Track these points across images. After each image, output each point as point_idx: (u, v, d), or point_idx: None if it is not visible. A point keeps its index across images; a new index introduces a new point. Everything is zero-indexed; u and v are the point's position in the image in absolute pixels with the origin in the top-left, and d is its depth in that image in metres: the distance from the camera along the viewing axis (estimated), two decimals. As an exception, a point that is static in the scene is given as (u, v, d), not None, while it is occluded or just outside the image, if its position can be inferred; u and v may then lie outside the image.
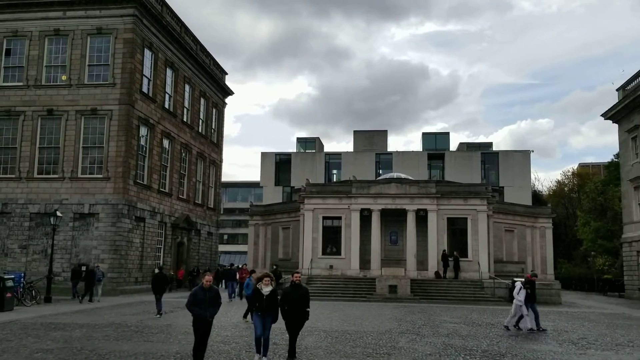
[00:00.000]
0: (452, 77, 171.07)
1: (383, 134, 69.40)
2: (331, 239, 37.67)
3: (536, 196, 69.77)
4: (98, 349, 12.75)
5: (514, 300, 17.80)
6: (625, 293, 39.83)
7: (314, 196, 37.73)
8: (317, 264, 36.64)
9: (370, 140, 67.57)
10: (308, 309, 11.22)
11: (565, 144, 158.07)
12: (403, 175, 44.49)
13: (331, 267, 36.31)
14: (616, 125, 42.36)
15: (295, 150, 69.18)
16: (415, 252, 36.16)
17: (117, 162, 31.51)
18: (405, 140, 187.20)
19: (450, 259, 35.04)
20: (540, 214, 46.00)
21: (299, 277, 11.63)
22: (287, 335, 11.59)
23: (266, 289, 10.79)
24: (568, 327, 19.07)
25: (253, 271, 22.55)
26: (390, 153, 64.89)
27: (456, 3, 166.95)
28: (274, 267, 32.31)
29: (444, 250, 35.40)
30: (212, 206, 46.17)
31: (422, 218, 36.63)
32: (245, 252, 62.30)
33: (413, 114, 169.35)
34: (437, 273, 35.16)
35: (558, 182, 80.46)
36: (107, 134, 31.83)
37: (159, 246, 36.27)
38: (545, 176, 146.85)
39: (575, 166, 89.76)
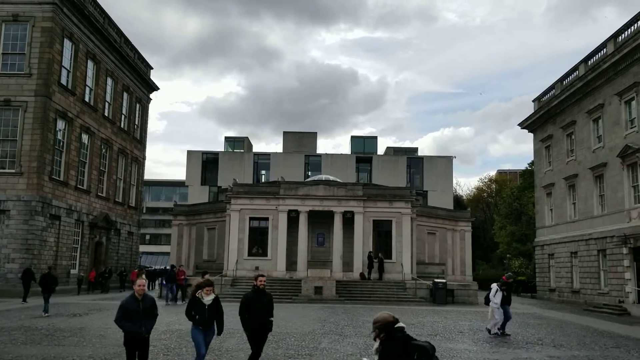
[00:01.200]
0: (380, 84, 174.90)
1: (312, 136, 69.74)
2: (258, 240, 37.34)
3: (457, 200, 72.47)
4: (3, 353, 11.90)
5: (491, 304, 17.20)
6: (537, 294, 42.07)
7: (241, 196, 37.27)
8: (242, 265, 36.19)
9: (300, 142, 67.71)
10: (272, 319, 9.69)
11: (485, 151, 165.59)
12: (331, 178, 44.87)
13: (257, 268, 35.94)
14: (531, 135, 44.72)
15: (223, 150, 68.13)
16: (341, 254, 36.51)
17: (31, 156, 29.75)
18: (334, 143, 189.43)
19: (375, 260, 35.66)
20: (460, 218, 47.76)
21: (264, 281, 9.77)
22: (249, 348, 9.82)
23: (208, 298, 9.38)
24: (483, 327, 19.83)
25: (205, 272, 21.24)
26: (320, 155, 65.29)
27: (384, 12, 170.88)
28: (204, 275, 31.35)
29: (370, 252, 35.98)
30: (133, 205, 44.58)
31: (349, 220, 37.06)
32: (168, 253, 60.61)
33: (342, 117, 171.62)
34: (362, 274, 35.67)
35: (477, 187, 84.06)
36: (20, 127, 29.99)
37: (75, 246, 34.57)
38: (466, 181, 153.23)
39: (494, 173, 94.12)
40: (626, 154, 29.36)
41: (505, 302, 17.20)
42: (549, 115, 40.19)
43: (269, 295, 9.84)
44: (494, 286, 17.47)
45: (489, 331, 17.27)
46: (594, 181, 33.45)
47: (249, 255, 36.86)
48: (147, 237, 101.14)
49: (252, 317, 9.43)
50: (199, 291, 9.45)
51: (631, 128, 29.48)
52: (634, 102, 29.27)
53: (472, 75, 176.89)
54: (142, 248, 69.12)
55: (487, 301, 17.44)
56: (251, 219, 37.28)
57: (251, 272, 35.40)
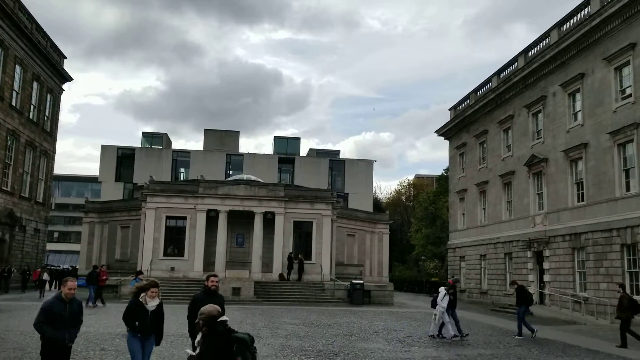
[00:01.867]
0: (304, 85, 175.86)
1: (235, 135, 68.90)
2: (174, 240, 36.35)
3: (377, 203, 74.17)
4: None
5: (437, 307, 16.96)
6: (448, 294, 43.80)
7: (157, 194, 36.12)
8: (157, 265, 35.08)
9: (222, 140, 66.67)
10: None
11: (403, 156, 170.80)
12: (253, 178, 44.50)
13: (173, 268, 35.00)
14: (447, 142, 46.57)
15: (140, 145, 65.77)
16: (261, 255, 36.27)
17: None
18: (256, 143, 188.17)
19: (295, 261, 35.72)
20: (379, 220, 48.89)
21: (216, 282, 8.91)
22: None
23: (152, 303, 8.17)
24: (397, 327, 20.35)
25: (140, 272, 19.93)
26: (242, 154, 64.61)
27: (309, 15, 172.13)
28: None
29: (290, 253, 35.99)
30: (41, 201, 42.03)
31: (269, 221, 36.88)
32: (77, 252, 57.63)
33: (265, 117, 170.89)
34: (281, 275, 35.61)
35: (396, 191, 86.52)
36: None
37: (-27, 243, 32.07)
38: (386, 185, 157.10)
39: (412, 177, 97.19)
40: (532, 163, 31.21)
41: (451, 306, 17.16)
42: (464, 124, 42.01)
43: (221, 297, 8.94)
44: (442, 290, 17.28)
45: (437, 336, 16.96)
46: (503, 188, 35.31)
47: (164, 255, 35.80)
48: (56, 234, 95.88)
49: None
50: (143, 294, 8.17)
51: (537, 139, 31.38)
52: (540, 115, 31.18)
53: (393, 81, 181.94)
54: (50, 246, 65.25)
55: (434, 305, 17.27)
56: (168, 218, 36.24)
57: (166, 273, 34.39)
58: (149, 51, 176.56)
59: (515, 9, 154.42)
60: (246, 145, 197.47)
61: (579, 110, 27.48)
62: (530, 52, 32.82)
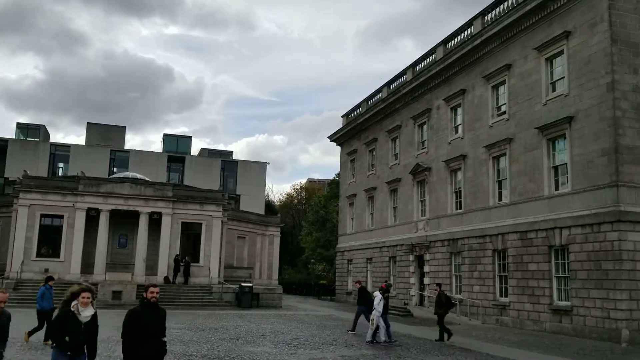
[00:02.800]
0: (197, 84, 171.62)
1: (120, 130, 65.61)
2: (49, 240, 33.84)
3: (269, 206, 74.15)
4: None
5: (374, 312, 16.91)
6: (336, 297, 44.80)
7: (32, 190, 33.45)
8: (29, 267, 32.45)
9: (106, 135, 63.16)
10: (165, 339, 7.56)
11: (296, 160, 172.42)
12: (139, 176, 42.60)
13: (47, 270, 32.48)
14: (339, 148, 47.70)
15: (14, 137, 60.56)
16: (145, 257, 34.79)
17: None
18: (144, 140, 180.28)
19: (181, 263, 34.68)
20: (270, 223, 48.91)
21: (157, 293, 7.51)
22: None
23: (86, 312, 6.95)
24: (284, 329, 20.42)
25: (50, 278, 17.19)
26: (128, 151, 61.68)
27: (203, 12, 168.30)
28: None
29: (177, 255, 34.89)
30: None
31: (156, 221, 35.50)
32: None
33: (154, 114, 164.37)
34: (166, 278, 34.39)
35: (289, 194, 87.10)
36: None
37: None
38: (278, 188, 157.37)
39: (304, 181, 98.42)
40: (417, 172, 32.83)
41: (383, 311, 17.14)
42: (355, 131, 43.28)
43: (163, 310, 7.62)
44: (378, 295, 17.17)
45: (372, 342, 16.87)
46: (390, 194, 36.79)
47: (37, 256, 33.22)
48: None
49: (141, 338, 7.15)
50: (75, 302, 6.81)
51: (422, 149, 33.06)
52: (425, 126, 32.90)
53: (288, 85, 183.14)
54: None
55: (370, 310, 17.20)
56: (43, 216, 33.70)
57: (39, 275, 31.89)
58: (26, 36, 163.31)
59: (404, 24, 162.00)
60: (133, 141, 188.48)
61: (460, 124, 29.34)
62: (417, 67, 34.57)
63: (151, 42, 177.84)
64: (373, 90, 41.51)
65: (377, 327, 17.03)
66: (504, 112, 25.77)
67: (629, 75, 19.88)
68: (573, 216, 20.78)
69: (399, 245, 34.31)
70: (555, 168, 22.56)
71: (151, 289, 7.47)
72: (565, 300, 21.25)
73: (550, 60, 23.18)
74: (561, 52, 22.38)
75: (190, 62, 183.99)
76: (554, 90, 22.86)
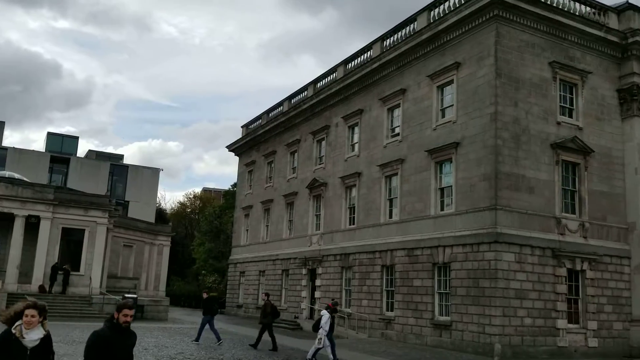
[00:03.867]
0: (88, 82, 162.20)
1: (-1, 126, 60.49)
2: None
3: (160, 214, 71.52)
4: None
5: (320, 331, 16.45)
6: (226, 310, 43.99)
7: None
8: None
9: (-19, 130, 57.92)
10: None
11: (191, 168, 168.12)
12: (17, 176, 39.39)
13: None
14: (236, 158, 47.26)
15: None
16: (19, 263, 32.08)
17: None
18: (24, 138, 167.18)
19: (60, 272, 32.35)
20: (160, 232, 47.13)
21: (131, 316, 5.96)
22: None
23: (32, 335, 5.50)
24: (169, 343, 19.67)
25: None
26: (5, 148, 56.86)
27: (96, 9, 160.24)
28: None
29: (55, 263, 32.51)
30: None
31: (33, 225, 32.87)
32: None
33: (36, 110, 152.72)
34: (42, 287, 31.89)
35: (182, 203, 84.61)
36: None
37: None
38: (171, 196, 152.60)
39: (199, 190, 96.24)
40: (313, 186, 33.31)
41: (330, 329, 16.79)
42: (255, 143, 43.14)
43: (135, 335, 6.20)
44: (325, 314, 16.78)
45: (311, 359, 16.62)
46: (286, 207, 36.96)
47: None
48: None
49: None
50: (18, 323, 5.46)
51: (320, 164, 33.64)
52: (324, 142, 33.53)
53: (187, 91, 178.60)
54: None
55: (316, 328, 16.78)
56: None
57: None
58: None
59: (305, 41, 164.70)
60: (11, 138, 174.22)
61: (356, 142, 30.23)
62: (319, 83, 35.26)
63: (39, 35, 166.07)
64: (274, 103, 41.74)
65: (321, 347, 16.61)
66: (398, 134, 26.92)
67: (510, 107, 21.58)
68: (456, 236, 22.06)
69: (293, 258, 34.48)
70: (442, 190, 23.88)
71: (125, 310, 5.84)
72: (446, 316, 22.41)
73: (441, 88, 24.61)
74: (451, 82, 23.85)
75: (81, 59, 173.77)
76: (443, 116, 24.26)
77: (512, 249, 20.53)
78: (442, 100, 24.56)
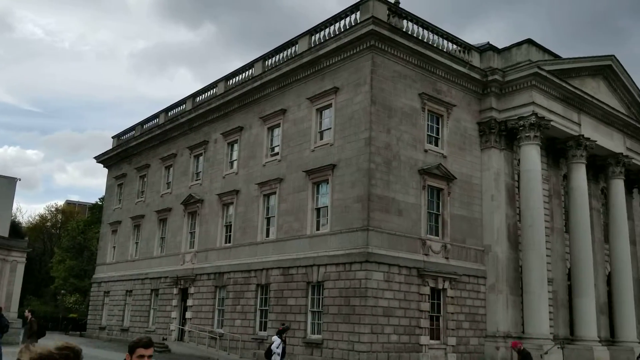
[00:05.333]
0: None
1: None
2: None
3: (15, 228, 65.24)
4: None
5: (274, 356, 16.46)
6: (87, 332, 41.03)
7: None
8: None
9: None
10: None
11: (51, 178, 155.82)
12: None
13: None
14: (102, 170, 44.66)
15: None
16: None
17: None
18: None
19: None
20: (14, 247, 42.90)
21: (149, 357, 4.25)
22: None
23: None
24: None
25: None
26: None
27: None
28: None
29: None
30: None
31: None
32: None
33: None
34: None
35: (41, 216, 77.94)
36: None
37: None
38: (28, 208, 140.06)
39: (62, 202, 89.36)
40: (189, 203, 32.38)
41: (282, 354, 16.86)
42: (126, 155, 41.11)
43: None
44: (277, 339, 16.86)
45: None
46: (158, 224, 35.49)
47: None
48: None
49: None
50: None
51: (196, 180, 32.84)
52: (201, 158, 32.83)
53: (52, 96, 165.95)
54: None
55: (269, 355, 16.72)
56: None
57: None
58: None
59: (181, 54, 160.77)
60: None
61: (235, 160, 29.98)
62: (198, 98, 34.59)
63: None
64: (149, 115, 40.16)
65: None
66: (277, 153, 27.13)
67: (382, 133, 22.71)
68: (330, 255, 22.60)
69: (164, 277, 33.11)
70: (318, 210, 24.40)
71: (140, 350, 4.17)
72: (318, 334, 22.77)
73: (320, 111, 25.28)
74: (330, 105, 24.61)
75: None
76: (321, 138, 24.91)
77: (381, 268, 21.45)
78: (320, 122, 25.21)
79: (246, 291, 26.75)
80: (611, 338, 28.94)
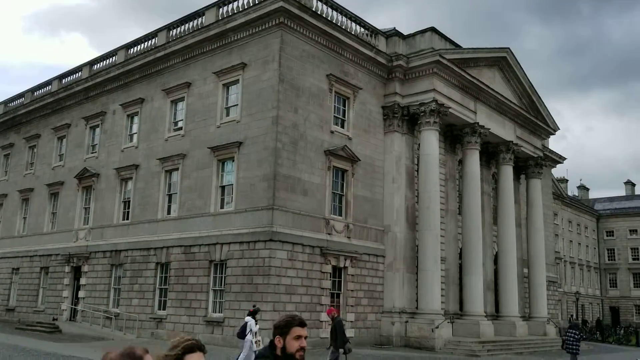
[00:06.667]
0: None
1: None
2: None
3: None
4: None
5: (247, 337, 15.97)
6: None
7: None
8: None
9: None
10: None
11: None
12: None
13: None
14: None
15: None
16: None
17: None
18: None
19: None
20: None
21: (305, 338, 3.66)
22: None
23: None
24: None
25: None
26: None
27: None
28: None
29: None
30: None
31: None
32: None
33: None
34: None
35: None
36: None
37: None
38: None
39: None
40: (83, 177, 30.62)
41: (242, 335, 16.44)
42: (14, 123, 38.04)
43: None
44: (250, 320, 16.39)
45: None
46: (49, 198, 33.31)
47: None
48: None
49: None
50: None
51: (92, 153, 31.07)
52: (98, 129, 31.07)
53: None
54: None
55: (242, 335, 16.26)
56: None
57: None
58: None
59: (74, 18, 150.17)
60: None
61: (136, 133, 28.65)
62: (95, 66, 32.54)
63: None
64: (40, 82, 37.29)
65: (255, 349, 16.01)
66: (181, 128, 26.26)
67: (290, 112, 22.65)
68: (233, 233, 22.36)
69: (55, 255, 31.22)
70: (223, 188, 24.00)
71: (297, 330, 3.52)
72: (219, 312, 22.58)
73: (227, 87, 24.71)
74: (237, 81, 24.11)
75: None
76: (228, 115, 24.41)
77: (285, 247, 21.59)
78: (227, 98, 24.67)
79: (145, 270, 25.89)
80: (496, 313, 31.23)
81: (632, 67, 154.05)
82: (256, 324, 17.03)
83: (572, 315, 56.33)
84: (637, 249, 70.60)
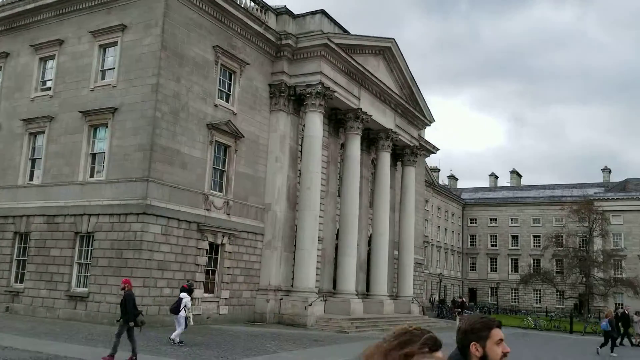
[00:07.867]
0: None
1: None
2: None
3: None
4: None
5: (181, 313, 16.35)
6: None
7: None
8: None
9: None
10: None
11: None
12: None
13: None
14: None
15: None
16: None
17: None
18: None
19: None
20: None
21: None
22: None
23: None
24: None
25: None
26: None
27: None
28: None
29: None
30: None
31: None
32: None
33: None
34: None
35: None
36: None
37: None
38: None
39: None
40: None
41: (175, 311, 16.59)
42: None
43: None
44: (185, 296, 16.69)
45: (173, 341, 16.15)
46: None
47: None
48: None
49: None
50: None
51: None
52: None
53: None
54: None
55: (177, 311, 16.43)
56: None
57: None
58: None
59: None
60: None
61: (-3, 90, 25.98)
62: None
63: None
64: None
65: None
66: (49, 89, 24.22)
67: (172, 81, 21.72)
68: (103, 205, 21.13)
69: None
70: (94, 155, 22.54)
71: (499, 332, 2.81)
72: (84, 287, 21.31)
73: (104, 48, 23.11)
74: (115, 43, 22.61)
75: None
76: (103, 78, 22.87)
77: (159, 221, 20.80)
78: (103, 61, 23.10)
79: (1, 239, 23.73)
80: (367, 292, 32.61)
81: (498, 67, 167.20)
82: (192, 300, 17.23)
83: (459, 296, 60.14)
84: (496, 236, 77.30)
